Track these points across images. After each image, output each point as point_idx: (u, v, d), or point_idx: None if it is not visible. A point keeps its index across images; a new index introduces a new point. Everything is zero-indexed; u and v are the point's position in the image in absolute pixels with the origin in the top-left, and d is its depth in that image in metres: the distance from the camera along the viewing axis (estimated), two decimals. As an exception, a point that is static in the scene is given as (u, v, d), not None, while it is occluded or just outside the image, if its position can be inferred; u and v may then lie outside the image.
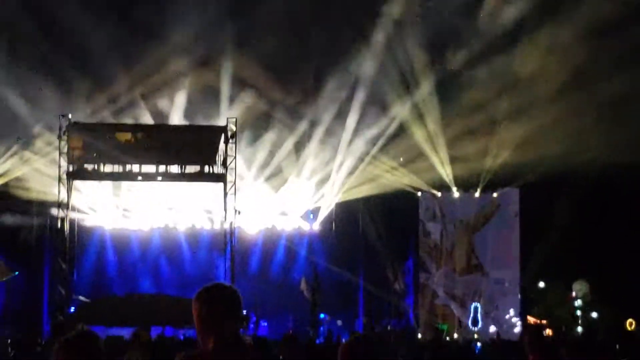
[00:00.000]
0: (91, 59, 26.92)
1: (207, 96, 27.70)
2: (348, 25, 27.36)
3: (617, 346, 15.80)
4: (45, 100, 26.35)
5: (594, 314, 26.47)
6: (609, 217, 26.21)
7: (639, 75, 24.53)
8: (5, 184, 27.65)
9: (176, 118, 27.91)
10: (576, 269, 26.80)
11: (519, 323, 27.25)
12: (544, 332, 22.68)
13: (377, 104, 27.61)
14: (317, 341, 23.10)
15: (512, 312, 27.98)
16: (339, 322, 27.26)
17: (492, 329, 27.03)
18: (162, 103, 27.73)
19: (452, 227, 28.86)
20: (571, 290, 26.95)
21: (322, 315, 26.82)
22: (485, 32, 26.57)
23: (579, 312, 26.65)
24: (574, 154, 24.41)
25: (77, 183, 26.86)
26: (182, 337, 19.48)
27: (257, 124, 28.01)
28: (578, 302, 26.84)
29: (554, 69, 26.00)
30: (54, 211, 26.20)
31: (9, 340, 17.55)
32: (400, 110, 27.52)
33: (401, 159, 28.28)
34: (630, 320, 25.17)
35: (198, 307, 4.05)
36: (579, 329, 25.89)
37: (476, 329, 26.76)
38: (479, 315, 27.25)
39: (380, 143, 27.82)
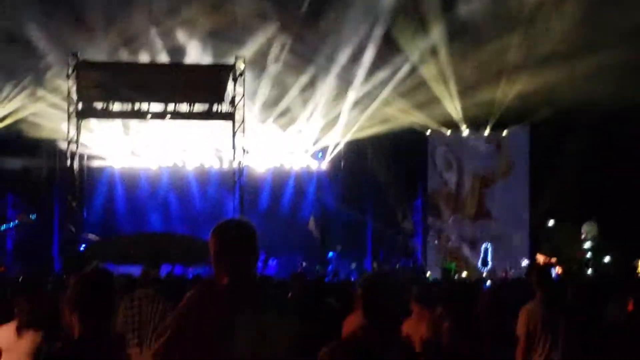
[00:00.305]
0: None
1: (217, 36, 27.47)
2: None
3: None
4: (56, 36, 26.19)
5: (607, 258, 26.34)
6: (623, 156, 26.00)
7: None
8: (16, 122, 27.68)
9: (186, 58, 27.77)
10: (587, 209, 26.71)
11: (527, 261, 27.20)
12: (552, 270, 22.72)
13: (389, 44, 27.33)
14: (326, 279, 23.14)
15: (521, 250, 27.99)
16: (353, 265, 27.31)
17: (501, 267, 27.07)
18: (172, 42, 27.54)
19: (464, 176, 28.77)
20: (580, 231, 26.85)
21: (330, 254, 26.87)
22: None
23: (589, 254, 26.57)
24: (588, 90, 24.14)
25: (87, 123, 26.77)
26: (190, 276, 19.53)
27: (267, 64, 27.75)
28: (587, 244, 26.76)
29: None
30: (64, 150, 26.13)
31: (20, 278, 17.54)
32: (413, 49, 27.24)
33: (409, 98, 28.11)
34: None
35: (213, 242, 4.04)
36: (589, 271, 25.81)
37: (486, 269, 26.78)
38: (489, 256, 27.25)
39: (390, 82, 27.55)
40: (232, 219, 4.35)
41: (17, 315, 7.69)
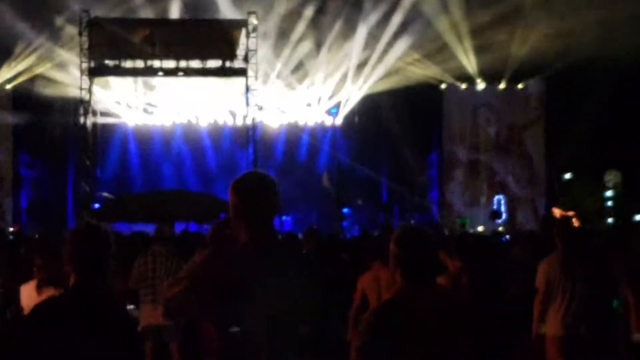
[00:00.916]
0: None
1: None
2: None
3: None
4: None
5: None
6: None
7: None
8: (29, 80, 27.75)
9: (198, 13, 27.70)
10: (606, 161, 26.74)
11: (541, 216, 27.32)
12: (571, 222, 22.71)
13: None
14: (340, 235, 23.19)
15: (537, 204, 28.06)
16: (359, 201, 27.48)
17: (517, 220, 27.20)
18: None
19: (480, 129, 28.79)
20: (599, 182, 26.89)
21: (345, 210, 26.91)
22: None
23: (609, 203, 26.63)
24: (603, 42, 24.03)
25: (99, 80, 26.75)
26: (205, 232, 19.53)
27: (279, 18, 27.64)
28: (609, 193, 26.81)
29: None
30: (76, 109, 26.16)
31: (37, 235, 17.60)
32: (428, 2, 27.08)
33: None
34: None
35: (233, 196, 3.96)
36: (609, 219, 25.89)
37: (500, 221, 26.85)
38: (502, 207, 27.36)
39: (405, 35, 27.40)
40: (253, 172, 4.20)
41: (37, 273, 7.68)
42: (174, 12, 27.49)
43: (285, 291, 3.83)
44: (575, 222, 24.39)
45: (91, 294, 4.26)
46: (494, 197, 27.87)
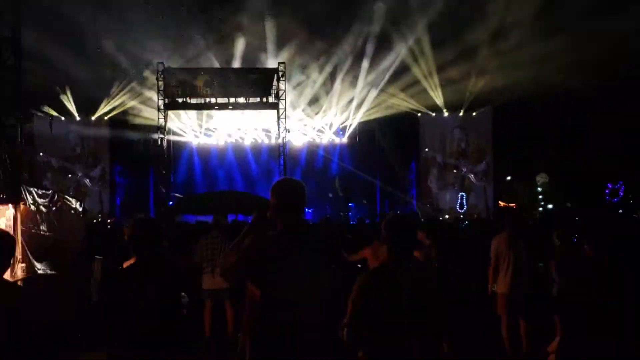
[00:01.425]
0: (179, 22, 26.80)
1: (263, 45, 27.48)
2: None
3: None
4: (149, 50, 26.34)
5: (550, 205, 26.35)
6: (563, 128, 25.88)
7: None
8: (123, 112, 28.02)
9: (243, 63, 27.74)
10: (535, 166, 26.75)
11: (491, 206, 27.32)
12: (513, 211, 22.70)
13: (385, 45, 27.19)
14: (352, 222, 23.17)
15: (487, 199, 27.98)
16: (364, 201, 27.52)
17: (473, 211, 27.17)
18: (231, 51, 27.54)
19: (446, 146, 28.66)
20: (531, 182, 26.86)
21: (351, 204, 26.88)
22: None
23: (540, 197, 26.63)
24: (536, 77, 23.97)
25: (172, 112, 26.84)
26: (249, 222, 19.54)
27: (301, 65, 27.72)
28: (539, 189, 26.78)
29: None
30: (155, 133, 26.24)
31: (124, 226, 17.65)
32: (401, 48, 27.03)
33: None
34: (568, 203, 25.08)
35: (273, 196, 4.00)
36: (540, 209, 25.91)
37: (462, 211, 26.84)
38: (464, 201, 27.33)
39: (388, 75, 27.44)
40: (287, 178, 4.29)
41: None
42: (226, 62, 27.57)
43: (308, 263, 3.88)
44: (516, 210, 24.49)
45: (148, 266, 4.34)
46: (457, 194, 27.80)
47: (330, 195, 27.47)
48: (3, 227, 7.99)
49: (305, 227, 4.32)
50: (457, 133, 28.42)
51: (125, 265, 7.63)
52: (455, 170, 28.34)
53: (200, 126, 29.08)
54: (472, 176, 28.13)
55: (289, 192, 4.02)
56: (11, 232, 8.04)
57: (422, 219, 22.68)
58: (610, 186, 26.93)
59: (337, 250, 8.58)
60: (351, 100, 28.20)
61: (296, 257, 3.85)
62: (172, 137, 27.67)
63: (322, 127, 29.10)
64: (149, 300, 4.10)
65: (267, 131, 28.47)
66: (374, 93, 27.79)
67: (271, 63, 26.91)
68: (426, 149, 28.57)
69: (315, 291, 3.85)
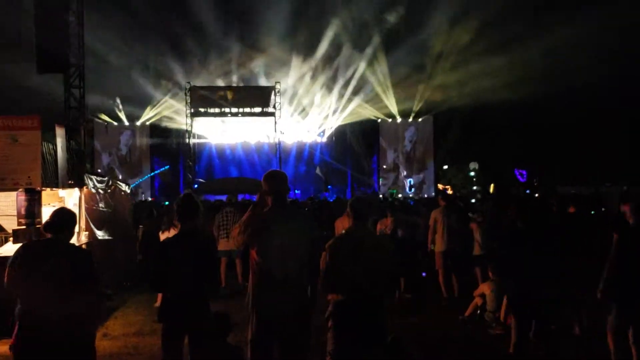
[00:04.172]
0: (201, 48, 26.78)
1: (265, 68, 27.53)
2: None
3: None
4: (179, 71, 26.33)
5: (475, 187, 26.55)
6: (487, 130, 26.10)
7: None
8: (160, 119, 27.91)
9: (249, 81, 27.69)
10: (467, 158, 26.90)
11: (432, 188, 27.42)
12: (447, 192, 22.89)
13: (353, 68, 27.25)
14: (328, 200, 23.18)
15: (428, 182, 28.16)
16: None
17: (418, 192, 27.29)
18: (238, 73, 27.53)
19: (399, 144, 28.68)
20: (464, 168, 27.07)
21: (329, 187, 26.94)
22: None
23: (474, 180, 26.84)
24: (467, 92, 24.15)
25: (196, 119, 26.70)
26: (254, 200, 19.48)
27: (292, 82, 27.73)
28: (472, 174, 26.97)
29: (468, 28, 24.93)
30: (184, 135, 26.14)
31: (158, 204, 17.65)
32: (366, 70, 27.08)
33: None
34: (492, 184, 25.23)
35: (264, 182, 4.06)
36: (474, 187, 26.15)
37: (411, 192, 26.89)
38: (412, 184, 27.42)
39: (355, 91, 27.68)
40: (274, 169, 4.30)
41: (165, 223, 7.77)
42: (236, 81, 27.48)
43: (293, 230, 3.98)
44: (450, 191, 24.63)
45: (188, 232, 4.30)
46: (407, 179, 27.88)
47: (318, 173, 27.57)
48: (71, 206, 7.99)
49: (289, 204, 4.39)
50: (407, 134, 28.52)
51: (161, 234, 7.68)
52: (405, 162, 28.49)
53: (218, 129, 28.84)
54: (416, 168, 28.29)
55: (276, 180, 4.09)
56: (77, 210, 8.05)
57: (381, 197, 22.87)
58: (517, 171, 27.41)
59: (317, 219, 8.61)
60: (329, 109, 28.22)
61: (282, 227, 3.94)
62: (197, 138, 27.54)
63: (308, 130, 29.03)
64: (191, 261, 4.13)
65: (267, 134, 28.37)
66: (345, 104, 27.82)
67: (269, 82, 26.97)
68: (383, 145, 28.68)
69: (296, 250, 3.95)
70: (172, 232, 6.84)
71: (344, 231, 4.45)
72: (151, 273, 4.34)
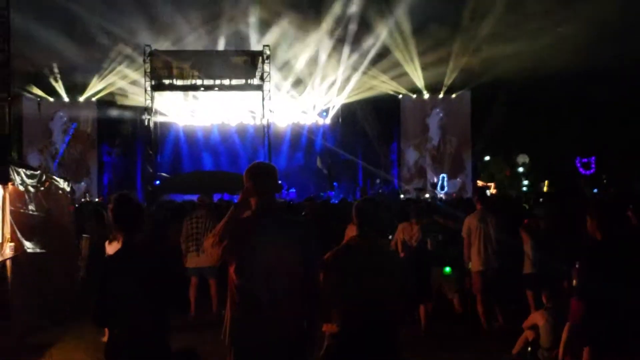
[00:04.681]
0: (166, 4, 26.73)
1: (248, 27, 27.42)
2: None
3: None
4: (135, 32, 26.30)
5: (526, 182, 26.52)
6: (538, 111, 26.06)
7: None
8: (110, 93, 27.93)
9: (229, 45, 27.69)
10: (512, 146, 26.89)
11: (470, 186, 27.52)
12: (487, 191, 22.87)
13: (367, 28, 27.19)
14: (331, 201, 23.15)
15: (466, 179, 28.20)
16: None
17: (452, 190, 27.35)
18: (216, 34, 27.44)
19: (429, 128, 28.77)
20: (509, 161, 27.02)
21: (335, 184, 26.93)
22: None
23: (522, 177, 26.83)
24: (513, 62, 24.11)
25: (158, 94, 26.68)
26: (235, 201, 19.48)
27: (285, 47, 27.60)
28: (521, 169, 26.95)
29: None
30: (142, 114, 26.21)
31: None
32: (383, 31, 27.02)
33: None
34: (546, 181, 25.13)
35: (247, 178, 4.10)
36: (524, 188, 26.13)
37: (443, 192, 26.88)
38: (445, 182, 27.40)
39: (369, 58, 27.52)
40: (260, 162, 4.35)
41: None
42: (211, 44, 27.47)
43: (283, 242, 4.00)
44: (493, 190, 24.68)
45: (135, 245, 4.29)
46: (438, 174, 27.93)
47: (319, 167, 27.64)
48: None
49: (279, 207, 4.43)
50: (437, 115, 28.58)
51: (108, 245, 7.69)
52: (435, 153, 28.57)
53: (186, 107, 28.87)
54: (451, 158, 28.38)
55: (262, 175, 4.09)
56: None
57: (402, 197, 22.89)
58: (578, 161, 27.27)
59: (319, 228, 8.67)
60: (334, 82, 28.16)
61: (269, 238, 3.96)
62: (159, 118, 27.53)
63: (305, 109, 29.03)
64: (140, 285, 4.12)
65: (252, 112, 28.30)
66: (356, 75, 27.78)
67: (256, 45, 26.88)
68: (406, 129, 28.71)
69: (287, 269, 3.96)
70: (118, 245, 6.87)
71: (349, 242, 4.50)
72: (92, 302, 4.28)
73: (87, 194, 25.77)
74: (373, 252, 4.35)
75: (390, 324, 4.25)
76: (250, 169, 4.14)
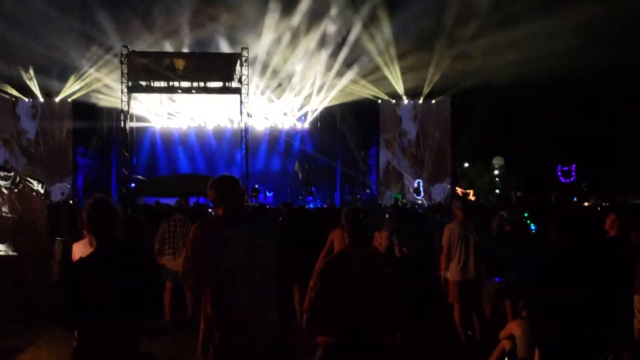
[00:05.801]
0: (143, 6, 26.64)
1: (228, 30, 27.34)
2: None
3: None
4: (113, 33, 26.12)
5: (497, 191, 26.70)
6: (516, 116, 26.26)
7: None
8: (86, 94, 27.74)
9: (206, 48, 27.61)
10: (491, 154, 27.00)
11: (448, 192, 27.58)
12: (468, 197, 22.95)
13: (347, 32, 27.19)
14: (308, 206, 23.14)
15: (445, 185, 28.26)
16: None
17: (430, 196, 27.41)
18: (195, 36, 27.36)
19: (407, 132, 28.87)
20: (487, 169, 27.05)
21: (312, 189, 26.93)
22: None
23: (497, 180, 26.86)
24: (494, 68, 24.28)
25: (135, 96, 26.58)
26: (211, 205, 19.41)
27: (265, 51, 27.52)
28: (496, 172, 27.00)
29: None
30: (118, 116, 26.05)
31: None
32: (363, 35, 27.02)
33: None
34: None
35: (211, 191, 4.28)
36: (497, 191, 26.20)
37: (419, 197, 26.94)
38: (421, 188, 27.44)
39: (352, 65, 27.58)
40: (223, 175, 4.47)
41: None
42: (189, 46, 27.41)
43: (254, 247, 4.10)
44: (472, 197, 24.70)
45: (107, 249, 4.28)
46: (415, 179, 27.95)
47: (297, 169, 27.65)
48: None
49: (245, 215, 4.45)
50: (417, 121, 28.68)
51: (75, 245, 7.64)
52: (413, 158, 28.67)
53: (163, 109, 28.76)
54: (429, 164, 28.46)
55: (225, 185, 4.25)
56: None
57: (381, 203, 22.97)
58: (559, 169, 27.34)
59: (295, 234, 8.66)
60: (313, 86, 28.13)
61: (237, 243, 4.05)
62: (135, 121, 27.46)
63: (284, 112, 29.00)
64: (111, 290, 4.11)
65: (229, 115, 28.24)
66: (335, 79, 27.77)
67: (234, 48, 26.83)
68: (385, 134, 28.80)
69: (259, 276, 4.04)
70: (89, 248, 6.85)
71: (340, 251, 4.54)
72: (60, 305, 4.29)
73: (62, 196, 25.59)
74: (367, 260, 4.43)
75: (382, 336, 4.27)
76: (211, 184, 4.30)
